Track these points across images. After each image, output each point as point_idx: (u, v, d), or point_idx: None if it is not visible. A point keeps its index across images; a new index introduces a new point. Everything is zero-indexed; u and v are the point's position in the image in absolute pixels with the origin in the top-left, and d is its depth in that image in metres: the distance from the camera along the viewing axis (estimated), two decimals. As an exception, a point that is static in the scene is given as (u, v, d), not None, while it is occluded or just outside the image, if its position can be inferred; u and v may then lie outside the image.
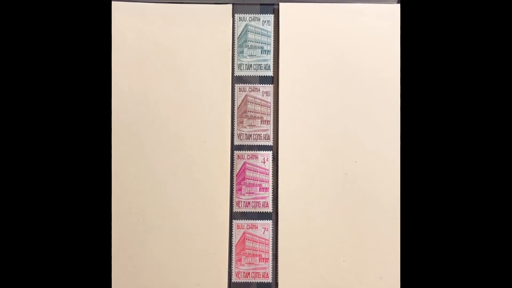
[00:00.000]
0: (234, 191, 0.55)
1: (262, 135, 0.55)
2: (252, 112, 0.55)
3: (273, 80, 0.56)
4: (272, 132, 0.55)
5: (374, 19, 0.55)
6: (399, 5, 0.55)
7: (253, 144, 0.55)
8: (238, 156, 0.55)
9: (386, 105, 0.54)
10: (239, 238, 0.54)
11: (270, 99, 0.55)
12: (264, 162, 0.55)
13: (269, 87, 0.55)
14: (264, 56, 0.56)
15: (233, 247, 0.54)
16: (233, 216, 0.54)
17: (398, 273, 0.53)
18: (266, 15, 0.56)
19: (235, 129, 0.55)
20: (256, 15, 0.56)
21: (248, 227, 0.54)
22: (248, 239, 0.54)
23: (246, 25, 0.56)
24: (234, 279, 0.54)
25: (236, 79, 0.56)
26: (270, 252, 0.54)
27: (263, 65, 0.56)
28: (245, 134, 0.55)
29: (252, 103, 0.55)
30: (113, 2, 0.55)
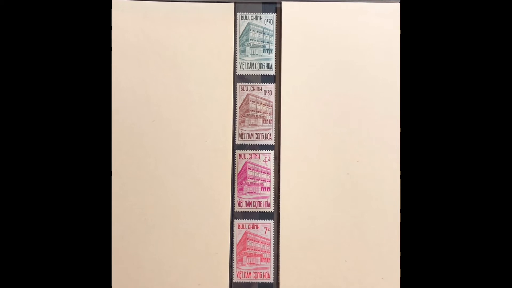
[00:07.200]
0: (236, 191, 0.54)
1: (264, 135, 0.55)
2: (254, 111, 0.55)
3: (275, 79, 0.55)
4: (274, 132, 0.55)
5: (376, 18, 0.55)
6: (399, 3, 0.55)
7: (255, 143, 0.55)
8: (239, 155, 0.55)
9: (388, 104, 0.54)
10: (240, 238, 0.54)
11: (272, 98, 0.55)
12: (265, 161, 0.55)
13: (271, 86, 0.55)
14: (266, 55, 0.55)
15: (234, 247, 0.54)
16: (234, 215, 0.54)
17: (399, 274, 0.53)
18: (268, 13, 0.56)
19: (237, 128, 0.55)
20: (258, 13, 0.56)
21: (249, 226, 0.54)
22: (250, 239, 0.54)
23: (248, 24, 0.56)
24: (235, 279, 0.54)
25: (238, 78, 0.55)
26: (272, 252, 0.54)
27: (265, 64, 0.55)
28: (247, 133, 0.55)
29: (254, 102, 0.55)
30: (113, 0, 0.55)
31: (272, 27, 0.56)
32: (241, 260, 0.54)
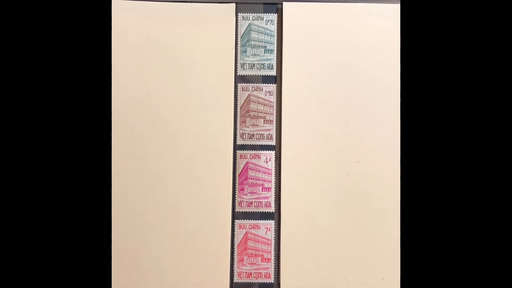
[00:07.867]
0: (237, 191, 0.54)
1: (265, 135, 0.55)
2: (255, 111, 0.55)
3: (276, 79, 0.55)
4: (275, 132, 0.55)
5: (376, 19, 0.55)
6: (399, 4, 0.55)
7: (256, 143, 0.55)
8: (240, 155, 0.55)
9: (388, 104, 0.55)
10: (241, 238, 0.54)
11: (273, 98, 0.55)
12: (266, 162, 0.55)
13: (272, 87, 0.55)
14: (267, 56, 0.55)
15: (235, 247, 0.54)
16: (235, 216, 0.54)
17: (399, 274, 0.53)
18: (269, 14, 0.56)
19: (238, 129, 0.55)
20: (260, 14, 0.56)
21: (250, 227, 0.54)
22: (250, 239, 0.54)
23: (250, 24, 0.56)
24: (236, 279, 0.54)
25: (239, 79, 0.55)
26: (272, 252, 0.54)
27: (266, 65, 0.55)
28: (248, 134, 0.55)
29: (255, 102, 0.55)
30: (113, 1, 0.55)
31: (273, 27, 0.56)
32: (242, 260, 0.54)
